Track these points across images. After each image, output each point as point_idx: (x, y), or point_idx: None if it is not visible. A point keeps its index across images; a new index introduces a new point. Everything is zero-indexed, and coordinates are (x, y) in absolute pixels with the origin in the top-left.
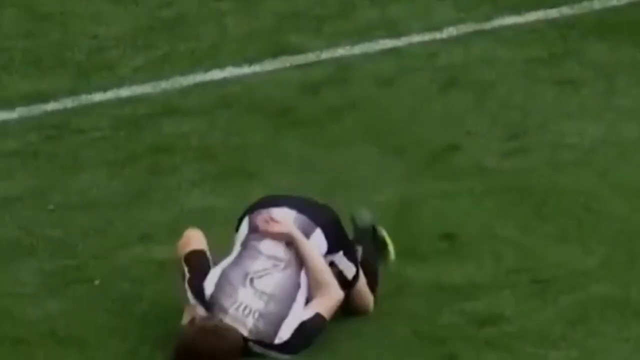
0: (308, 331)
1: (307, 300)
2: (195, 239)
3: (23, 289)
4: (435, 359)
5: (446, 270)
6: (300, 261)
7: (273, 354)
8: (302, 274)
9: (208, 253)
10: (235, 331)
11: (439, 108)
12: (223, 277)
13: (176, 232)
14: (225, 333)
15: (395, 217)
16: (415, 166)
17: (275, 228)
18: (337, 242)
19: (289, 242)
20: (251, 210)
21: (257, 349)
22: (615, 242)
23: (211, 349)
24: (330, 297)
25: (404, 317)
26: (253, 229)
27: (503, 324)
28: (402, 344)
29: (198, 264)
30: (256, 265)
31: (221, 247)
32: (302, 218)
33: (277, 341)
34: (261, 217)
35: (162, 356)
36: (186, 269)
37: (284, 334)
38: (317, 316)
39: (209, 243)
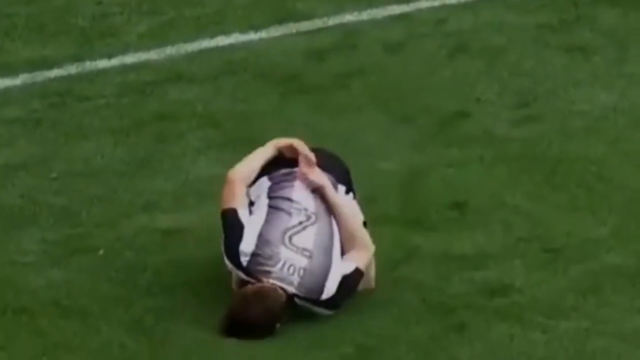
0: (350, 286)
1: (341, 251)
2: (236, 192)
3: (26, 257)
4: (444, 329)
5: (455, 239)
6: (329, 212)
7: (319, 309)
8: (334, 223)
9: (244, 205)
10: (277, 290)
11: (448, 75)
12: (261, 239)
13: (181, 201)
14: (268, 295)
15: (404, 185)
16: (424, 134)
17: (315, 174)
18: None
19: (320, 193)
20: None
21: (303, 304)
22: (626, 210)
23: (258, 314)
24: (366, 250)
25: (413, 286)
26: (279, 181)
27: (513, 293)
28: (411, 314)
29: (233, 225)
30: (292, 220)
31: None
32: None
33: (324, 297)
34: (303, 158)
35: (219, 327)
36: (222, 229)
37: (330, 289)
38: (357, 270)
39: (212, 213)
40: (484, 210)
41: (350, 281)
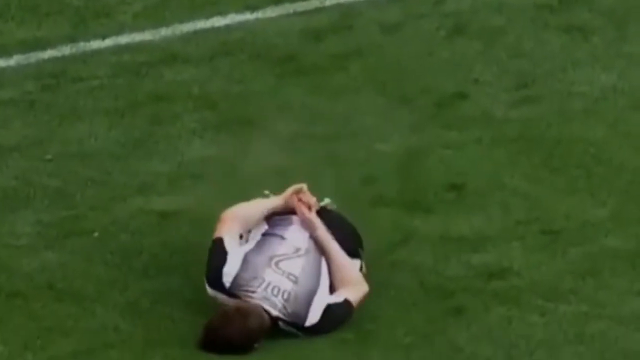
0: (336, 315)
1: (331, 288)
2: (225, 226)
3: (20, 240)
4: (442, 311)
5: (453, 222)
6: (320, 252)
7: (302, 334)
8: (323, 263)
9: (234, 237)
10: (260, 311)
11: (446, 55)
12: (246, 261)
13: (177, 183)
14: (249, 314)
15: (401, 167)
16: (422, 115)
17: (312, 215)
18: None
19: (313, 234)
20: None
21: (288, 329)
22: (626, 193)
23: (236, 332)
24: (359, 290)
25: (410, 268)
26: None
27: (511, 276)
28: (408, 296)
29: (217, 251)
30: (280, 249)
31: (220, 199)
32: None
33: (307, 324)
34: (300, 202)
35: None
36: (207, 258)
37: (314, 316)
38: (346, 302)
39: (208, 195)
40: (482, 192)
41: (337, 310)
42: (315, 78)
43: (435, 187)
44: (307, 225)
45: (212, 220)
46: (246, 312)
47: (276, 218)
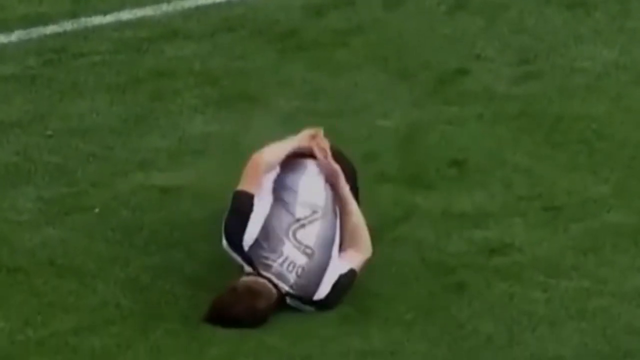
0: (343, 288)
1: (340, 247)
2: (257, 176)
3: (21, 216)
4: (443, 287)
5: (455, 198)
6: (335, 206)
7: (308, 308)
8: (337, 218)
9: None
10: (270, 290)
11: (447, 31)
12: (265, 227)
13: (178, 159)
14: (259, 295)
15: (403, 142)
16: (423, 91)
17: (331, 162)
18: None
19: (332, 183)
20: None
21: (293, 303)
22: (627, 168)
23: (244, 312)
24: (364, 253)
25: (412, 245)
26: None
27: (513, 252)
28: (410, 272)
29: (241, 210)
30: (297, 214)
31: (222, 175)
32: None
33: (315, 297)
34: (319, 146)
35: (201, 316)
36: (229, 208)
37: (323, 290)
38: (351, 272)
39: (210, 170)
40: (484, 168)
41: (343, 282)
42: (317, 54)
43: (437, 163)
44: (331, 176)
45: (213, 195)
46: (257, 293)
47: (288, 162)
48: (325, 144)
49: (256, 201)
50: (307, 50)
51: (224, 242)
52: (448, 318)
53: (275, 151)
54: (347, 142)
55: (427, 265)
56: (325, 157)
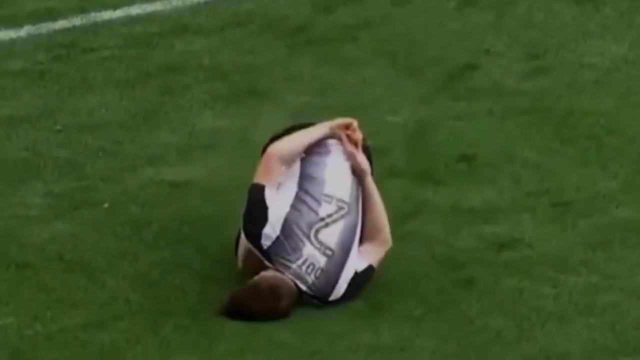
0: (359, 285)
1: (360, 240)
2: (270, 169)
3: (30, 211)
4: (452, 283)
5: (464, 193)
6: (359, 200)
7: (322, 305)
8: (360, 213)
9: (274, 185)
10: (290, 287)
11: (456, 26)
12: (287, 227)
13: (187, 154)
14: (280, 291)
15: (412, 138)
16: (432, 86)
17: (360, 157)
18: None
19: (359, 176)
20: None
21: (308, 300)
22: (637, 164)
23: (265, 310)
24: (383, 246)
25: (421, 240)
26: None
27: (522, 248)
28: (419, 268)
29: (257, 204)
30: (321, 211)
31: (231, 169)
32: None
33: (332, 297)
34: (351, 137)
35: (214, 310)
36: (246, 204)
37: (339, 289)
38: (369, 268)
39: (220, 166)
40: (493, 164)
41: (360, 280)
42: (326, 49)
43: (446, 159)
44: (359, 170)
45: (222, 191)
46: (279, 293)
47: (312, 146)
48: (359, 136)
49: (270, 193)
50: (316, 45)
51: (243, 236)
52: (457, 314)
53: (295, 141)
54: None
55: (437, 260)
56: (357, 149)
